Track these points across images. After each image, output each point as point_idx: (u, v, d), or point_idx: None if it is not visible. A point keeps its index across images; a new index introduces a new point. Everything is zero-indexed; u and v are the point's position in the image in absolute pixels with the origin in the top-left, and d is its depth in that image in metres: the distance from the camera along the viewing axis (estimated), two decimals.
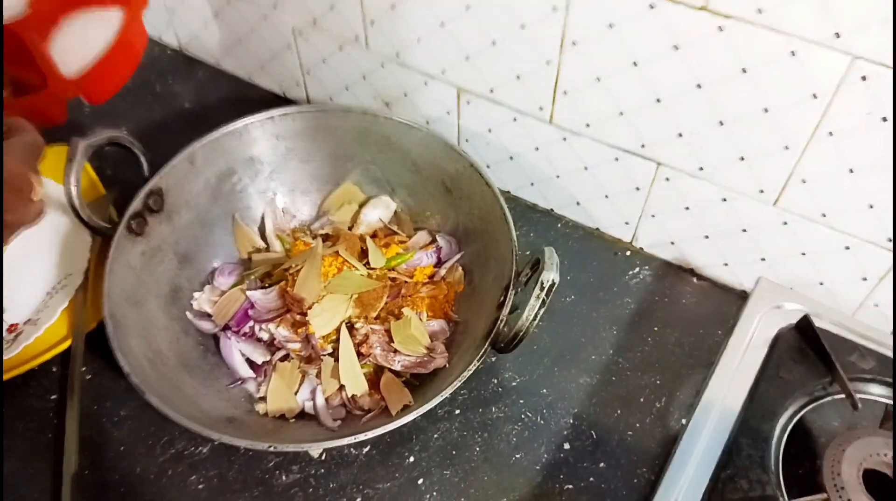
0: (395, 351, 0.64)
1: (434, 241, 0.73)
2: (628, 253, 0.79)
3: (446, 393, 0.56)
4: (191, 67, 0.98)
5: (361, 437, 0.54)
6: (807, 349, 0.59)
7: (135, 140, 0.66)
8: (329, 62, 0.83)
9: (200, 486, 0.64)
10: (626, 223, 0.77)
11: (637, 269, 0.77)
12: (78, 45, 0.51)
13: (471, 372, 0.57)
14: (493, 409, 0.68)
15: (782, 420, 0.56)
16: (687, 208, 0.71)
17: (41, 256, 0.75)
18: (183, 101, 0.94)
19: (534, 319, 0.55)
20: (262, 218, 0.75)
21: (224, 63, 0.96)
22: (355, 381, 0.62)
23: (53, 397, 0.70)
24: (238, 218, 0.74)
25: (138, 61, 0.54)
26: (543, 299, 0.54)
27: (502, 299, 0.61)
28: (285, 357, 0.66)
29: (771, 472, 0.53)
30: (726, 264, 0.73)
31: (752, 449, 0.53)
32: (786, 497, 0.52)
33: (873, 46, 0.51)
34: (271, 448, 0.54)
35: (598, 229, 0.80)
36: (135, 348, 0.60)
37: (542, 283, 0.54)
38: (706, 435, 0.55)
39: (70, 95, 0.51)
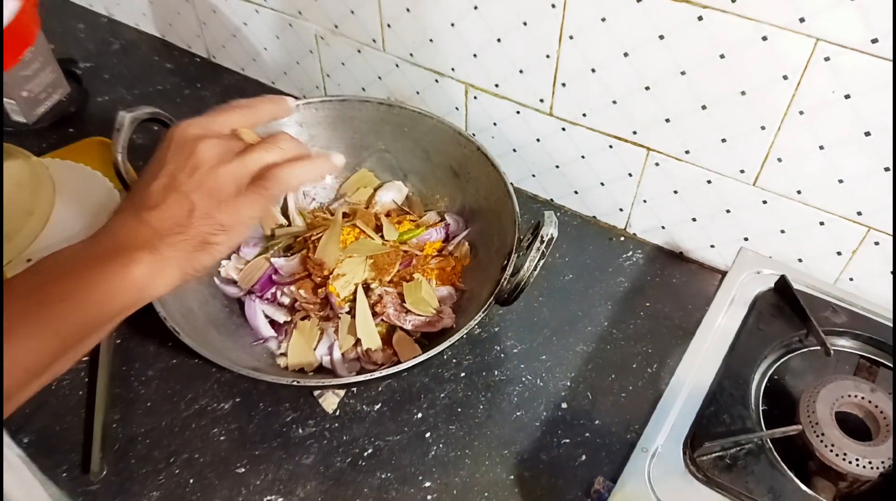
0: (407, 311, 0.69)
1: (443, 220, 0.79)
2: (622, 239, 0.85)
3: (454, 339, 0.61)
4: (218, 75, 1.05)
5: (378, 374, 0.59)
6: (784, 306, 0.64)
7: (172, 118, 0.73)
8: (348, 65, 0.91)
9: (222, 438, 0.69)
10: (621, 210, 0.83)
11: (630, 253, 0.83)
12: None
13: (477, 321, 0.63)
14: (496, 372, 0.73)
15: (762, 367, 0.61)
16: (675, 192, 0.77)
17: (79, 230, 0.81)
18: (209, 104, 1.01)
19: (534, 270, 0.60)
20: (285, 199, 0.81)
21: (249, 70, 1.04)
22: (370, 336, 0.68)
23: (85, 358, 0.75)
24: None
25: (31, 42, 0.67)
26: (543, 252, 0.60)
27: (505, 262, 0.67)
28: (305, 317, 0.71)
29: (751, 409, 0.57)
30: (713, 246, 0.79)
31: (734, 390, 0.58)
32: (764, 429, 0.56)
33: (834, 29, 0.58)
34: (294, 382, 0.59)
35: (594, 216, 0.86)
36: (169, 303, 0.66)
37: (542, 237, 0.60)
38: (691, 381, 0.60)
39: None
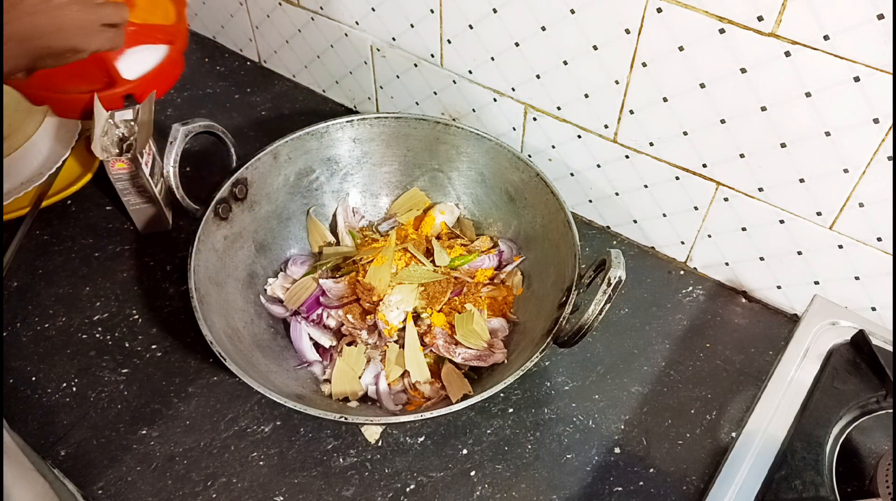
0: (457, 343, 0.67)
1: (495, 246, 0.77)
2: (682, 272, 0.81)
3: (509, 381, 0.58)
4: (269, 80, 1.04)
5: (428, 414, 0.57)
6: (861, 364, 0.60)
7: (226, 131, 0.71)
8: (403, 78, 0.88)
9: (261, 463, 0.67)
10: (682, 243, 0.79)
11: (690, 288, 0.79)
12: (136, 64, 0.74)
13: (533, 363, 0.60)
14: (546, 410, 0.70)
15: (836, 428, 0.57)
16: (744, 229, 0.73)
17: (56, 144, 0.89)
18: (260, 110, 1.00)
19: (599, 313, 0.57)
20: (334, 215, 0.79)
21: (300, 77, 1.02)
22: (419, 368, 0.65)
23: (125, 371, 0.73)
24: (312, 214, 0.78)
25: (175, 80, 0.78)
26: (609, 295, 0.57)
27: (564, 299, 0.64)
28: (351, 343, 0.69)
29: (825, 475, 0.54)
30: (779, 287, 0.75)
31: (807, 452, 0.55)
32: (839, 499, 0.53)
33: None
34: (342, 419, 0.56)
35: (653, 247, 0.83)
36: (216, 323, 0.64)
37: (610, 279, 0.57)
38: (761, 438, 0.56)
39: (125, 93, 0.73)
